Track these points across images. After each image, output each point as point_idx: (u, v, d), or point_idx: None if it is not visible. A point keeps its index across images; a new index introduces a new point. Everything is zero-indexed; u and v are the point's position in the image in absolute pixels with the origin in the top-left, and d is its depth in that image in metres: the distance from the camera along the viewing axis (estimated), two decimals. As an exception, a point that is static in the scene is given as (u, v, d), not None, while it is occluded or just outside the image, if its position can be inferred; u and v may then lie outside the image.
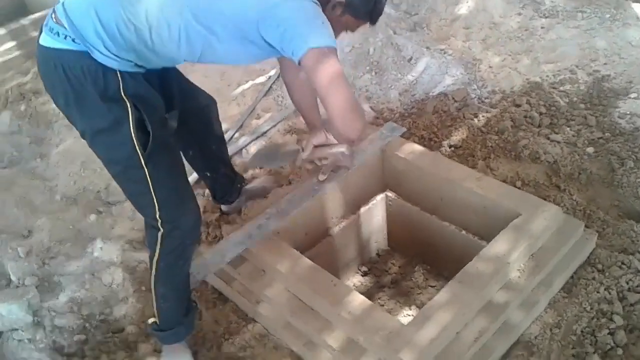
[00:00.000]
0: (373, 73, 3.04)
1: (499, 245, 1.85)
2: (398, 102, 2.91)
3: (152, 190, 1.59)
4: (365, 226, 2.42)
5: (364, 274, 2.48)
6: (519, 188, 2.27)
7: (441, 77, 2.97)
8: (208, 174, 2.23)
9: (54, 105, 3.23)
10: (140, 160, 1.55)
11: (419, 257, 2.45)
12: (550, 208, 1.95)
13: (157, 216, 1.62)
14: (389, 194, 2.41)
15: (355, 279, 2.46)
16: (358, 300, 1.76)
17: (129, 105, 1.51)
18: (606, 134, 2.50)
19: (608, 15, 3.32)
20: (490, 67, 3.05)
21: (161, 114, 1.64)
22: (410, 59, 3.06)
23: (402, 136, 2.45)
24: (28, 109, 3.28)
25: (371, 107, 2.90)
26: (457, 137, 2.58)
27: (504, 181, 2.32)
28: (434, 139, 2.60)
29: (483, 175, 2.12)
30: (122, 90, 1.50)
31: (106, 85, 1.49)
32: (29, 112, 3.24)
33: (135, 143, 1.53)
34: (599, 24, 3.28)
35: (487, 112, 2.73)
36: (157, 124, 1.58)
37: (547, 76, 2.93)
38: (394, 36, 3.13)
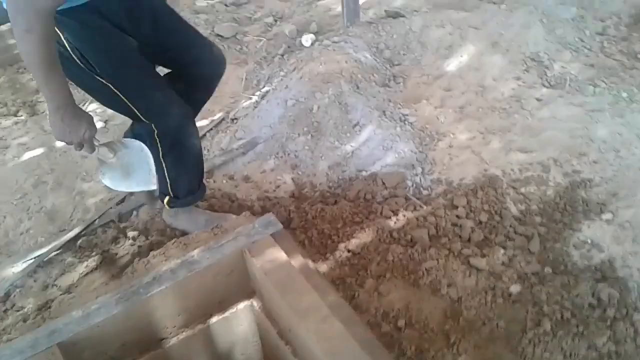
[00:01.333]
0: (309, 136, 2.59)
1: None
2: (324, 177, 2.45)
3: (128, 102, 1.79)
4: (222, 337, 2.01)
5: (223, 390, 2.07)
6: (398, 329, 1.78)
7: (383, 152, 2.46)
8: None
9: None
10: (100, 80, 1.73)
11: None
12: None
13: (145, 119, 1.86)
14: (255, 302, 1.99)
15: (210, 394, 2.06)
16: None
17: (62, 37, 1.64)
18: (546, 269, 1.91)
19: (625, 94, 2.64)
20: (450, 146, 2.50)
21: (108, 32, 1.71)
22: (357, 124, 2.58)
23: (296, 228, 2.05)
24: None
25: (292, 179, 2.46)
26: (361, 239, 2.09)
27: (388, 313, 1.83)
28: (334, 237, 2.13)
29: (330, 314, 1.64)
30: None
31: None
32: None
33: (85, 67, 1.71)
34: (610, 103, 2.62)
35: (413, 209, 2.20)
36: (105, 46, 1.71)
37: (512, 170, 2.34)
38: (344, 94, 2.65)
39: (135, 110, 1.84)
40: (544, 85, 2.80)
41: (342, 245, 2.08)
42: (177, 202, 2.12)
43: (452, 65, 2.99)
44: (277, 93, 2.86)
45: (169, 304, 1.85)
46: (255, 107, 2.85)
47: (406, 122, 2.64)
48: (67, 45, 1.67)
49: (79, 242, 2.33)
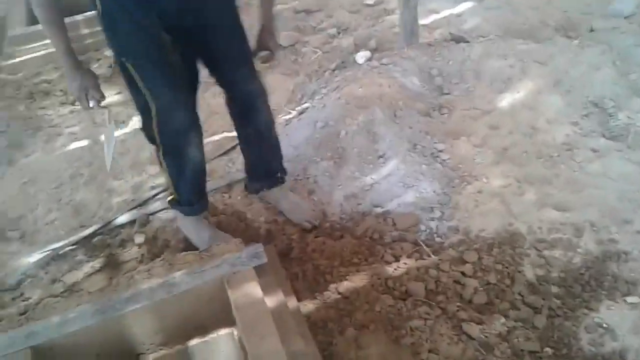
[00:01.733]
0: (332, 162, 2.49)
1: None
2: (338, 208, 2.35)
3: (141, 83, 1.80)
4: (201, 360, 1.97)
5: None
6: (365, 390, 1.66)
7: (403, 189, 2.32)
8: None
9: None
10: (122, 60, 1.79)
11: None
12: None
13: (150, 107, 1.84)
14: (236, 331, 1.93)
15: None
16: None
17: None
18: (545, 350, 1.71)
19: (697, 156, 2.33)
20: (479, 192, 2.31)
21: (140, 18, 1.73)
22: (382, 156, 2.45)
23: (294, 259, 2.03)
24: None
25: (314, 201, 2.38)
26: (354, 283, 1.97)
27: (360, 371, 1.71)
28: (327, 275, 2.03)
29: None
30: None
31: None
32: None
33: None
34: (676, 165, 2.31)
35: (419, 258, 2.06)
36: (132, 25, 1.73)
37: (540, 228, 2.12)
38: (375, 121, 2.53)
39: (145, 94, 1.84)
40: (603, 136, 2.52)
41: (333, 286, 1.98)
42: (177, 206, 2.15)
43: (505, 100, 2.77)
44: (312, 112, 2.78)
45: (145, 323, 1.84)
46: (287, 124, 2.79)
47: (438, 159, 2.48)
48: (102, 16, 1.73)
49: (94, 240, 2.38)
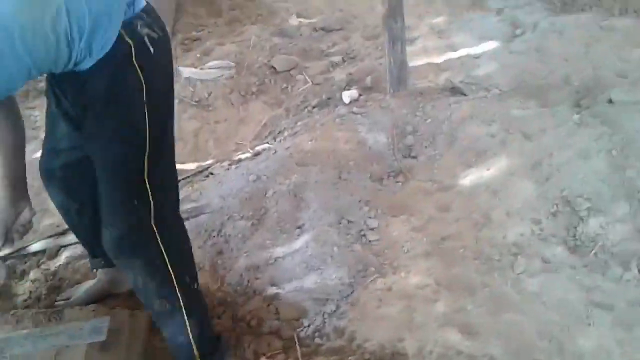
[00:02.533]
0: (250, 223, 2.32)
1: None
2: (236, 278, 2.17)
3: None
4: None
5: None
6: None
7: (305, 271, 2.10)
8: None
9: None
10: None
11: None
12: None
13: None
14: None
15: None
16: None
17: None
18: None
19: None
20: (389, 289, 2.04)
21: None
22: (301, 226, 2.24)
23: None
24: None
25: (209, 267, 2.24)
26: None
27: None
28: None
29: None
30: None
31: None
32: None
33: None
34: (631, 303, 1.91)
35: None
36: None
37: (431, 352, 1.82)
38: (307, 185, 2.32)
39: None
40: (564, 244, 2.14)
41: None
42: None
43: (470, 178, 2.44)
44: (261, 158, 2.61)
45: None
46: (228, 169, 2.63)
47: (363, 239, 2.23)
48: None
49: (7, 262, 2.37)
